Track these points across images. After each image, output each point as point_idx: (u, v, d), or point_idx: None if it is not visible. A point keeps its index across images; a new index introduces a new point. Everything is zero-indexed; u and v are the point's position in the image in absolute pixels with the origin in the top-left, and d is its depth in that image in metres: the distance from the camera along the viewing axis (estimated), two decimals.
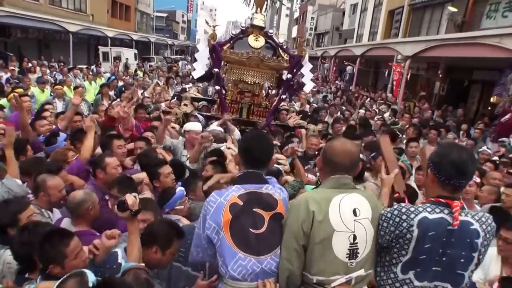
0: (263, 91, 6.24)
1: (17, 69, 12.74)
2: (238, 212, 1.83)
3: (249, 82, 5.63)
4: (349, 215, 1.75)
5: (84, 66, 16.19)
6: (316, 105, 10.58)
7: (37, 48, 22.06)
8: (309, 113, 8.46)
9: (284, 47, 5.73)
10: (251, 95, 5.76)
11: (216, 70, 5.30)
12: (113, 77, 12.27)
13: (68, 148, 3.73)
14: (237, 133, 5.15)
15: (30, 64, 14.97)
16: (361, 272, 1.78)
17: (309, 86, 5.95)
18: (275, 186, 1.99)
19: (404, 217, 1.73)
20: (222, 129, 5.00)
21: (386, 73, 17.94)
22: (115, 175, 3.13)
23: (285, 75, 5.59)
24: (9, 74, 11.32)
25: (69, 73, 13.31)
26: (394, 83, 15.73)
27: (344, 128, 6.62)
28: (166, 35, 42.12)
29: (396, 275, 1.78)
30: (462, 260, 1.72)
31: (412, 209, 1.75)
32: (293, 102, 9.45)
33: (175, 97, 8.03)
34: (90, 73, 13.83)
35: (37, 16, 18.05)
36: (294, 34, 43.16)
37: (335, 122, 6.80)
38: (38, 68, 13.10)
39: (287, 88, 5.62)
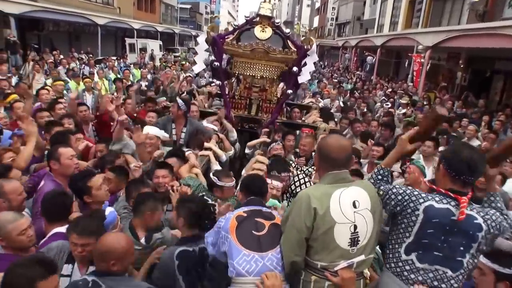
0: (275, 86, 5.83)
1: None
2: (242, 219, 2.11)
3: (257, 76, 5.26)
4: (349, 207, 1.87)
5: (114, 58, 16.81)
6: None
7: (67, 40, 23.04)
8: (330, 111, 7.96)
9: (291, 37, 5.32)
10: (259, 90, 5.42)
11: (216, 63, 4.98)
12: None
13: (4, 149, 3.41)
14: (234, 134, 4.91)
15: (61, 56, 15.90)
16: (362, 257, 1.89)
17: (303, 78, 5.38)
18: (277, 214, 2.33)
19: (413, 198, 1.85)
20: (215, 127, 4.80)
21: (407, 63, 17.80)
22: (70, 166, 2.95)
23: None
24: (47, 67, 12.09)
25: (97, 65, 14.08)
26: (415, 73, 15.64)
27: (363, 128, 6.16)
28: (190, 26, 42.72)
29: (400, 255, 1.89)
30: (461, 248, 1.82)
31: (423, 195, 1.87)
32: (319, 98, 9.18)
33: (185, 92, 7.57)
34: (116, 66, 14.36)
35: (68, 10, 18.83)
36: (315, 24, 42.85)
37: (354, 122, 6.32)
38: (65, 61, 13.81)
39: (293, 82, 5.20)
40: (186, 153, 3.84)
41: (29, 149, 3.18)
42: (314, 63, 5.51)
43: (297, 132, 5.17)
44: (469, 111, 10.09)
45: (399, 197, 1.91)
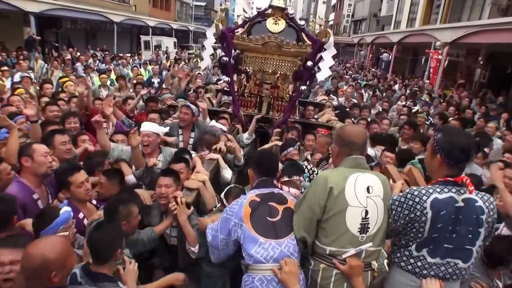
0: (287, 83, 5.46)
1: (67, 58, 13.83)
2: (256, 205, 2.10)
3: (268, 72, 4.91)
4: (363, 191, 1.90)
5: (128, 55, 17.05)
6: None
7: (84, 38, 23.47)
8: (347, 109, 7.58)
9: (306, 30, 4.92)
10: (270, 87, 5.05)
11: (225, 59, 4.64)
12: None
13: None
14: (245, 136, 4.57)
15: (78, 53, 16.22)
16: (370, 244, 1.89)
17: (323, 74, 5.00)
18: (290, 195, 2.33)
19: (417, 199, 1.81)
20: (224, 127, 4.48)
21: (423, 60, 17.46)
22: (44, 163, 2.74)
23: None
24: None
25: (113, 62, 14.26)
26: (431, 70, 15.34)
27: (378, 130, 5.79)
28: (205, 24, 42.81)
29: (411, 252, 1.87)
30: (470, 236, 1.81)
31: (423, 191, 1.82)
32: (332, 96, 8.84)
33: (192, 89, 7.30)
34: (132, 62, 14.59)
35: (85, 8, 19.16)
36: (327, 26, 42.40)
37: (371, 123, 6.00)
38: (83, 57, 14.07)
39: (308, 78, 4.86)
40: (194, 156, 3.52)
41: (12, 142, 3.05)
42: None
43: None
44: (487, 108, 9.85)
45: (404, 206, 1.86)
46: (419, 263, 1.85)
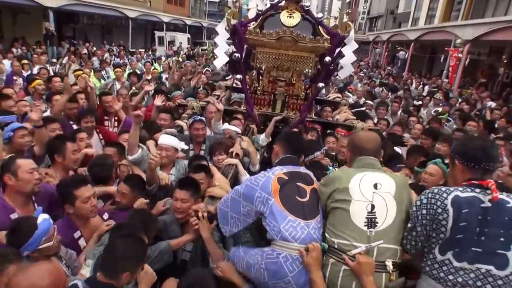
0: (302, 80, 5.18)
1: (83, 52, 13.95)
2: (285, 183, 2.04)
3: (283, 69, 4.66)
4: (369, 187, 1.89)
5: (142, 50, 17.13)
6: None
7: (100, 33, 23.71)
8: (364, 107, 7.35)
9: (323, 23, 4.60)
10: (285, 84, 4.81)
11: (237, 55, 4.40)
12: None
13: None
14: (262, 138, 4.28)
15: (94, 48, 16.36)
16: (381, 242, 1.81)
17: (346, 72, 4.76)
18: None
19: (437, 196, 1.74)
20: (238, 129, 4.24)
21: (442, 58, 17.11)
22: (30, 181, 2.44)
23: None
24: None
25: (131, 56, 14.34)
26: (450, 69, 15.00)
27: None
28: (218, 20, 42.70)
29: (435, 255, 1.76)
30: (502, 239, 1.66)
31: (443, 189, 1.77)
32: (347, 93, 8.58)
33: (201, 87, 7.09)
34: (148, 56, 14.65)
35: (101, 3, 19.30)
36: (346, 18, 41.89)
37: (395, 125, 5.70)
38: (99, 52, 14.18)
39: (326, 75, 4.61)
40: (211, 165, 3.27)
41: None
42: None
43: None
44: (509, 109, 9.57)
45: (423, 205, 1.78)
46: (444, 267, 1.72)
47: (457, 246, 1.70)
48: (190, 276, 2.01)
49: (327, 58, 4.37)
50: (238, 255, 2.10)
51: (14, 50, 12.39)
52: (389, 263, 1.82)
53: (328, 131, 4.80)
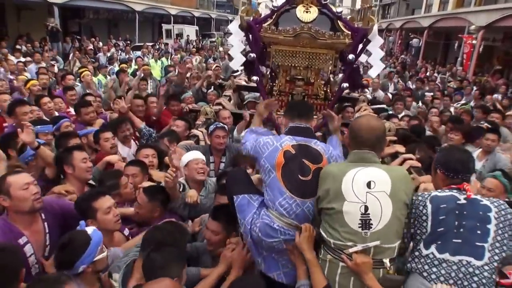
0: (321, 78, 4.90)
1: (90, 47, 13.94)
2: (290, 158, 2.07)
3: (301, 68, 4.44)
4: (362, 187, 1.84)
5: (150, 44, 16.97)
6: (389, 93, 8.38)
7: (106, 27, 23.71)
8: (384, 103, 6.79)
9: (344, 18, 4.36)
10: (303, 83, 4.57)
11: (252, 55, 4.18)
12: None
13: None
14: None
15: (101, 43, 16.35)
16: (377, 243, 1.81)
17: (376, 70, 4.49)
18: (327, 145, 2.28)
19: (420, 198, 1.90)
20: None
21: (456, 45, 16.50)
22: (26, 198, 2.19)
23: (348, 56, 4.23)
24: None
25: (136, 52, 14.21)
26: (465, 56, 14.50)
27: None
28: (227, 11, 42.42)
29: (420, 251, 1.85)
30: (478, 232, 1.78)
31: (426, 192, 1.96)
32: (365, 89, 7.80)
33: (212, 87, 6.43)
34: (156, 51, 14.34)
35: None
36: (358, 5, 40.92)
37: (413, 119, 5.38)
38: (105, 47, 14.16)
39: (350, 74, 4.34)
40: None
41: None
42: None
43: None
44: None
45: (412, 206, 1.93)
46: (428, 261, 1.81)
47: (439, 239, 1.81)
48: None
49: (351, 56, 4.06)
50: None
51: (18, 47, 12.45)
52: (386, 261, 1.85)
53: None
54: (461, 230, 1.78)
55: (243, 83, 6.19)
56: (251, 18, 4.11)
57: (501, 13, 11.60)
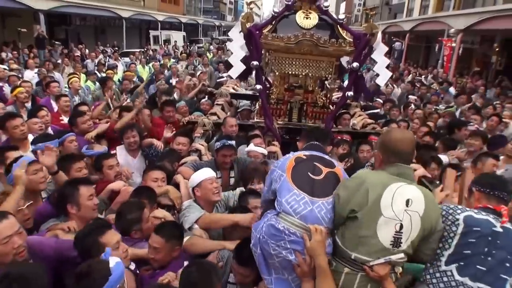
0: (318, 85, 4.81)
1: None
2: (301, 161, 2.00)
3: (300, 75, 4.31)
4: (402, 204, 1.74)
5: (137, 50, 16.99)
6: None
7: (94, 34, 23.67)
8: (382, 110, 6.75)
9: (345, 24, 4.23)
10: (303, 91, 4.44)
11: (255, 63, 3.97)
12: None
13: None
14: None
15: (87, 51, 16.32)
16: (402, 256, 1.77)
17: (383, 78, 4.36)
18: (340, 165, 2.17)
19: (450, 211, 1.84)
20: (265, 151, 3.69)
21: (437, 48, 17.05)
22: (7, 253, 1.93)
23: (350, 63, 4.17)
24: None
25: (124, 58, 14.25)
26: (445, 58, 15.01)
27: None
28: (214, 17, 42.72)
29: (440, 265, 1.81)
30: (507, 264, 1.72)
31: (459, 206, 1.90)
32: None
33: (206, 96, 6.21)
34: (144, 57, 14.43)
35: (94, 4, 19.25)
36: (342, 10, 41.68)
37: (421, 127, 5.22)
38: (93, 54, 14.15)
39: (354, 82, 4.18)
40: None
41: (14, 199, 2.29)
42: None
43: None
44: (502, 98, 9.48)
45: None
46: (444, 278, 1.76)
47: (462, 260, 1.75)
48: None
49: (355, 64, 3.95)
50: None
51: (3, 54, 12.38)
52: (397, 270, 1.88)
53: (360, 140, 4.46)
54: (489, 258, 1.73)
55: (232, 90, 6.03)
56: (251, 24, 3.93)
57: (478, 17, 12.05)
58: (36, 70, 8.70)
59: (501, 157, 4.13)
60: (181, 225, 2.44)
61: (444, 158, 3.94)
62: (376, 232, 1.73)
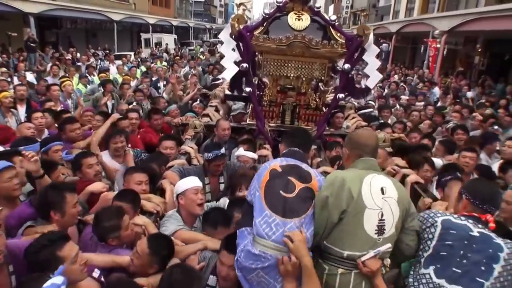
0: (311, 87, 4.73)
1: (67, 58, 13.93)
2: (275, 175, 1.96)
3: (292, 77, 4.25)
4: (378, 193, 1.87)
5: (131, 53, 17.06)
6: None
7: (85, 37, 23.60)
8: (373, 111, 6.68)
9: (337, 26, 4.16)
10: (295, 93, 4.41)
11: (245, 65, 3.90)
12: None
13: None
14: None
15: (78, 54, 16.31)
16: (389, 246, 1.86)
17: (374, 80, 4.29)
18: (318, 175, 2.10)
19: (431, 214, 1.96)
20: (255, 155, 3.67)
21: (422, 49, 17.49)
22: None
23: (341, 65, 4.08)
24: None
25: (116, 61, 14.22)
26: (430, 59, 15.40)
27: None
28: (205, 20, 42.92)
29: (419, 268, 1.88)
30: (482, 268, 1.76)
31: (439, 211, 2.00)
32: None
33: (198, 99, 6.35)
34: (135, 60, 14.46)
35: (85, 7, 19.25)
36: (330, 13, 42.20)
37: (413, 131, 5.05)
38: (84, 57, 14.18)
39: (345, 84, 4.14)
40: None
41: None
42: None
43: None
44: (484, 97, 9.86)
45: (420, 219, 2.01)
46: (423, 280, 1.84)
47: (439, 262, 1.83)
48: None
49: (346, 65, 3.91)
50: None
51: None
52: (386, 262, 1.94)
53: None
54: (464, 261, 1.79)
55: (227, 92, 5.88)
56: (242, 26, 3.84)
57: (462, 19, 12.41)
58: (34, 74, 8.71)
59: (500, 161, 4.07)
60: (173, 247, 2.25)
61: (437, 161, 3.82)
62: (363, 225, 1.83)
